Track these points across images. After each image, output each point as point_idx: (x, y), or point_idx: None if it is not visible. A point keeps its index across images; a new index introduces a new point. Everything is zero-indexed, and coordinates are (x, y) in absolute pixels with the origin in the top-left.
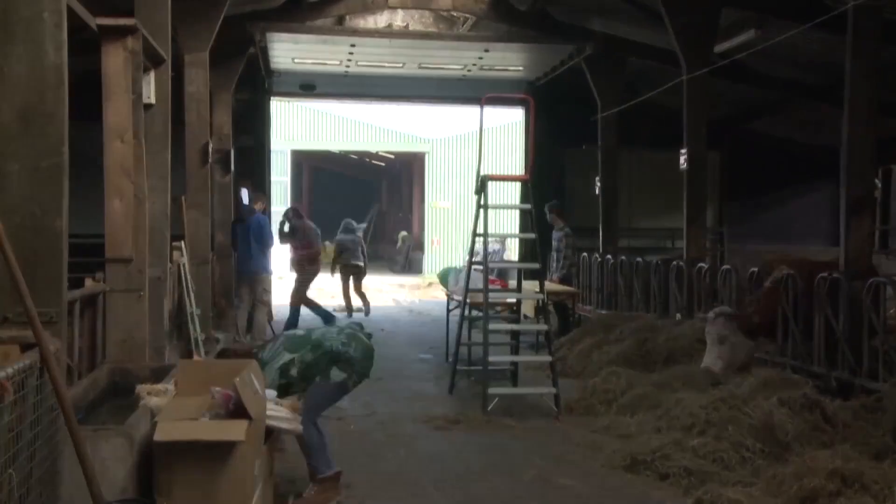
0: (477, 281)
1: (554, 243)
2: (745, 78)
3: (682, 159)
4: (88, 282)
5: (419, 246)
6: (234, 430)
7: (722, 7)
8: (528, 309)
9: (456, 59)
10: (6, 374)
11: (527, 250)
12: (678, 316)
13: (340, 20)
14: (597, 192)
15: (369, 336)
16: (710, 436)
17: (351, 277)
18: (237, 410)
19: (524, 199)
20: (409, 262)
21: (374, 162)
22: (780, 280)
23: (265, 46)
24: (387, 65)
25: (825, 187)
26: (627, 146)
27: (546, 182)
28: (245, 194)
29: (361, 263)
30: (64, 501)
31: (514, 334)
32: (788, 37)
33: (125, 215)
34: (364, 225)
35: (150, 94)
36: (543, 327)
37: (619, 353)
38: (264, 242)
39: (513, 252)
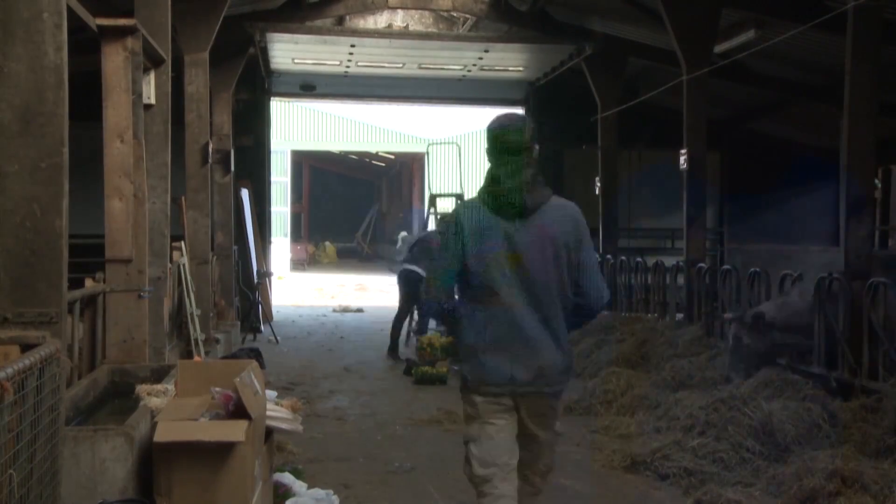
0: None
1: None
2: (745, 78)
3: (682, 159)
4: (88, 282)
5: None
6: (234, 431)
7: (722, 7)
8: None
9: (456, 60)
10: (6, 375)
11: None
12: (679, 316)
13: (340, 20)
14: (597, 192)
15: None
16: (710, 436)
17: None
18: (237, 411)
19: None
20: None
21: (373, 162)
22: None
23: (265, 46)
24: (387, 65)
25: (825, 187)
26: (627, 146)
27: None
28: None
29: None
30: (64, 501)
31: None
32: (788, 37)
33: (125, 215)
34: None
35: (150, 94)
36: None
37: (619, 354)
38: None
39: None
